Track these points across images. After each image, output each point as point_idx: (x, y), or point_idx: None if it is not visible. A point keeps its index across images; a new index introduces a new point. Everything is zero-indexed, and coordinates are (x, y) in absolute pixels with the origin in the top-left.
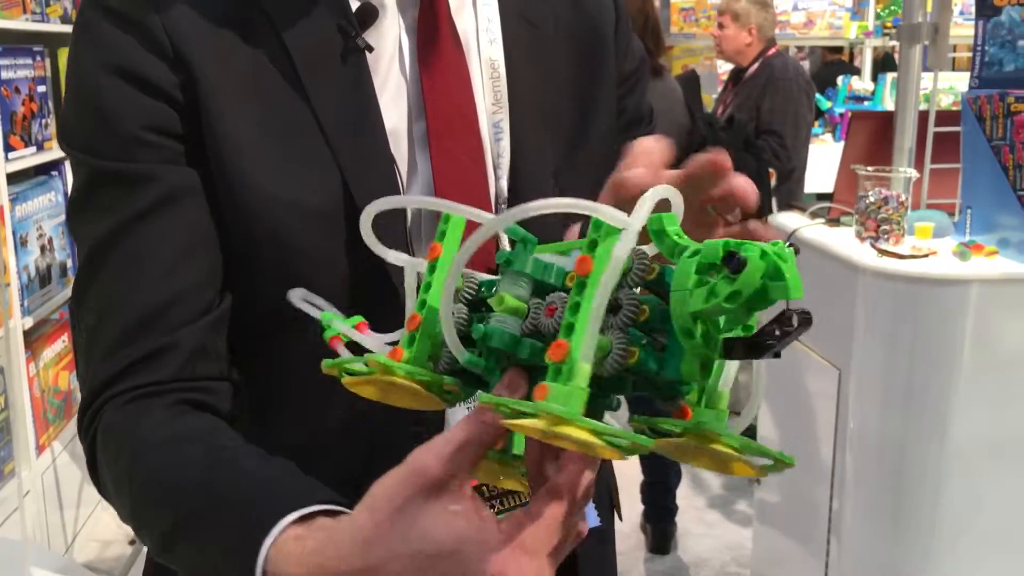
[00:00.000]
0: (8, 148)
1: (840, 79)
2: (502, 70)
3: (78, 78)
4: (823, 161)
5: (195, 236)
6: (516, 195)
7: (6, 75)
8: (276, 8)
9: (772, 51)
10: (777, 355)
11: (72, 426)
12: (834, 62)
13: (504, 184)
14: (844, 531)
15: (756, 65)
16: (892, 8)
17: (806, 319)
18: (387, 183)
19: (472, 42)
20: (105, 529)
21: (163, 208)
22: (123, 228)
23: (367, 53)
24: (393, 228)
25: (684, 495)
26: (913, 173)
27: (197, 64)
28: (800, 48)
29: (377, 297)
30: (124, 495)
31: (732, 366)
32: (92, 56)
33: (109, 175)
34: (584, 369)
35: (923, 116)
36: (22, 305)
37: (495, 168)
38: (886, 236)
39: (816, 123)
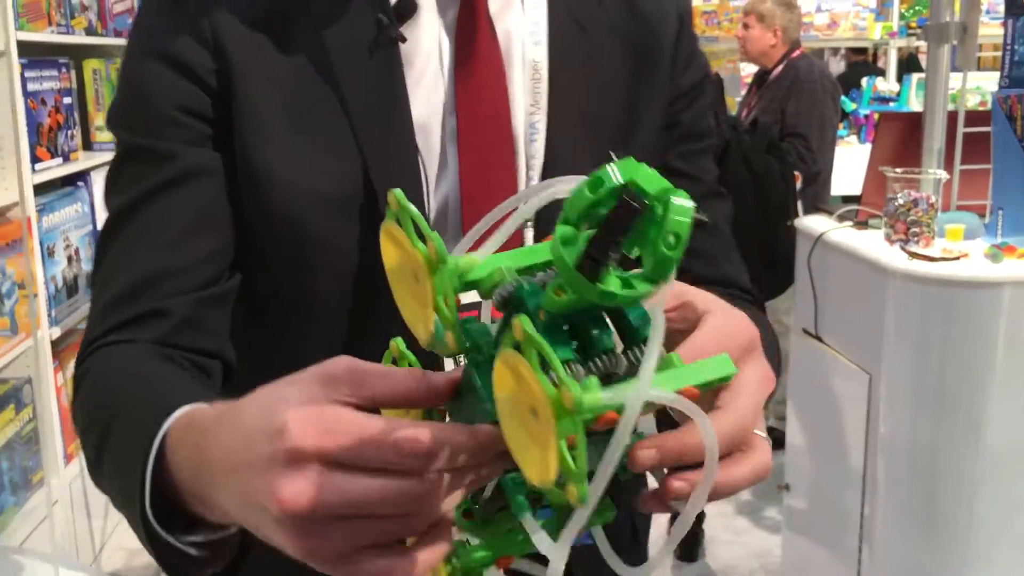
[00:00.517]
0: (35, 159)
1: (864, 80)
2: (544, 72)
3: (127, 61)
4: (848, 163)
5: (204, 215)
6: None
7: (32, 87)
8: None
9: (797, 53)
10: (611, 250)
11: None
12: (858, 63)
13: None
14: (876, 538)
15: (781, 67)
16: (917, 8)
17: (635, 205)
18: (409, 174)
19: (515, 42)
20: (133, 538)
21: (179, 185)
22: (141, 200)
23: (402, 46)
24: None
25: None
26: (943, 174)
27: (234, 52)
28: (835, 51)
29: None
30: (79, 429)
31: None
32: (140, 41)
33: (139, 150)
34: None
35: (952, 116)
36: (49, 315)
37: (527, 169)
38: (916, 238)
39: (841, 125)
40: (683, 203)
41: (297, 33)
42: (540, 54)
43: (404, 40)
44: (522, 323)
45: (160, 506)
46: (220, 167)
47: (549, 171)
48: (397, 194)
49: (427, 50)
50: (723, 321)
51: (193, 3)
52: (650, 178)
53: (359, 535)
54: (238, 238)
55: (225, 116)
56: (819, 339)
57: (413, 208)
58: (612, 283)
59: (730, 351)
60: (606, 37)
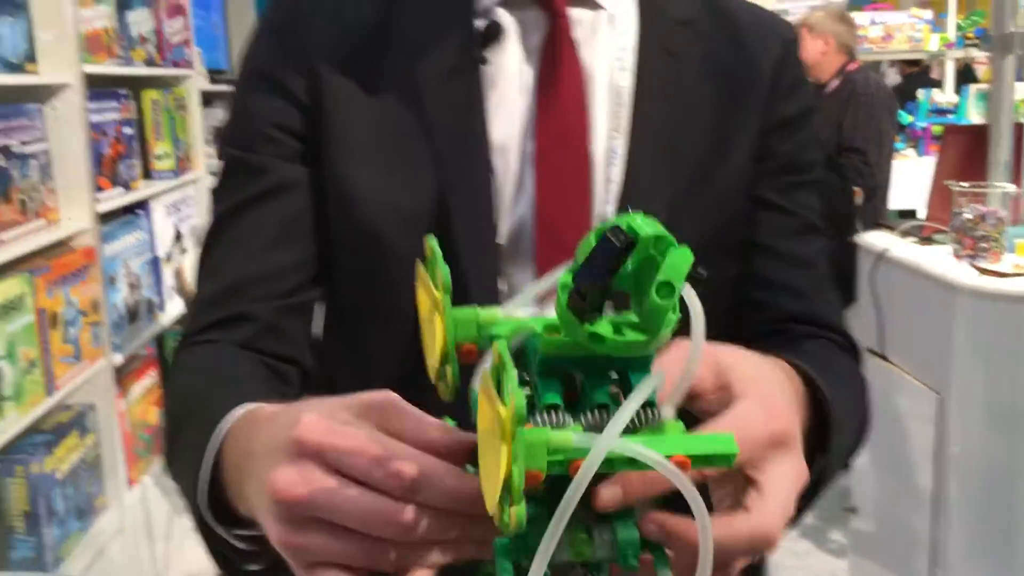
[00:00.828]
0: (97, 189)
1: (921, 92)
2: (627, 97)
3: (236, 86)
4: (906, 177)
5: (291, 226)
6: None
7: (94, 118)
8: (408, 23)
9: (854, 66)
10: (598, 287)
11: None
12: (912, 74)
13: (611, 209)
14: (949, 562)
15: (837, 81)
16: (973, 19)
17: (623, 240)
18: (481, 193)
19: (599, 67)
20: (194, 562)
21: (271, 196)
22: (236, 209)
23: (486, 68)
24: (482, 243)
25: None
26: (1011, 188)
27: (327, 74)
28: (892, 63)
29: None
30: (162, 422)
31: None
32: (247, 68)
33: (238, 163)
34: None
35: (1018, 128)
36: (112, 343)
37: (605, 192)
38: (984, 254)
39: (897, 138)
40: (681, 253)
41: (386, 56)
42: (625, 79)
43: (486, 62)
44: (498, 347)
45: (216, 501)
46: (307, 181)
47: (627, 195)
48: (431, 241)
49: (510, 73)
50: (753, 409)
51: (294, 32)
52: (648, 224)
53: (335, 548)
54: (321, 252)
55: (315, 133)
56: (884, 357)
57: (438, 250)
58: (602, 327)
59: (752, 443)
60: (698, 64)
